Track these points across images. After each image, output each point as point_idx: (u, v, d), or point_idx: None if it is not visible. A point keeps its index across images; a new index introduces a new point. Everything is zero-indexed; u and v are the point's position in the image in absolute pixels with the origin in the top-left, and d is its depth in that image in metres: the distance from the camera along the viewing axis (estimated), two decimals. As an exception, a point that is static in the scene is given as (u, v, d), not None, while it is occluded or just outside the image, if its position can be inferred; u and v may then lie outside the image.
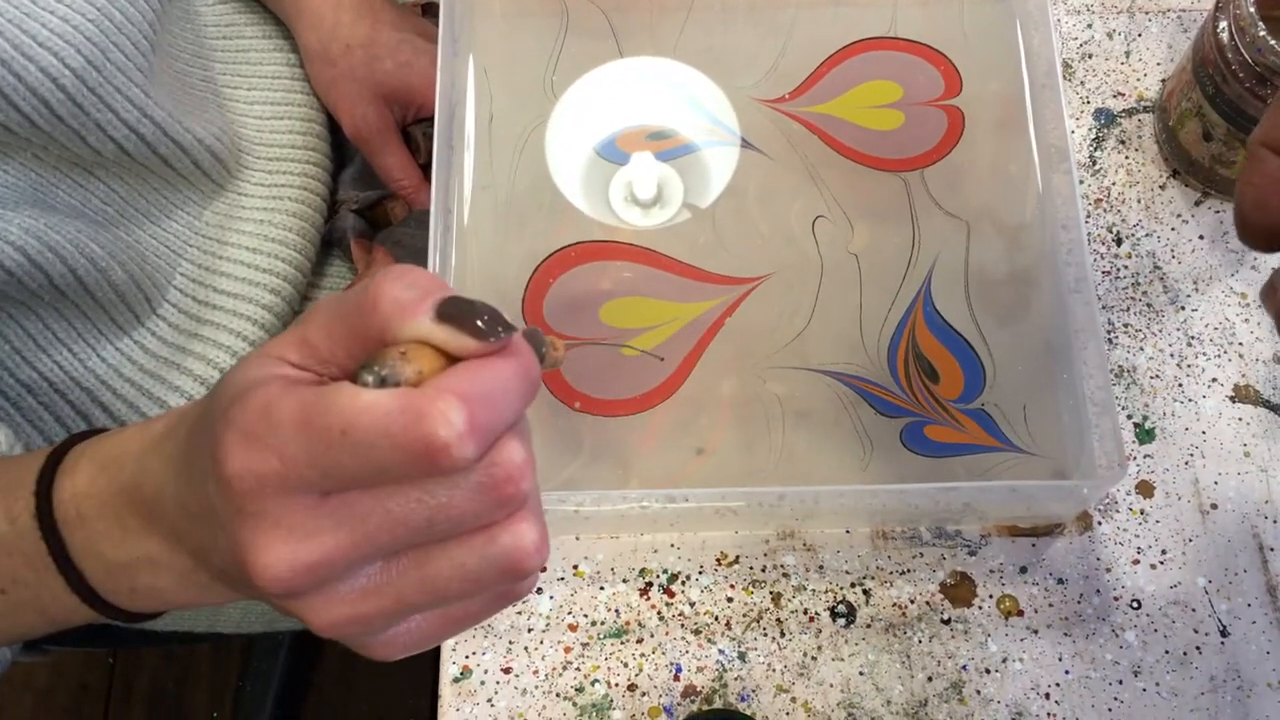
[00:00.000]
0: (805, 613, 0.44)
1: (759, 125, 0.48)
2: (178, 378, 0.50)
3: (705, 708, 0.43)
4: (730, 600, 0.44)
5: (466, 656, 0.44)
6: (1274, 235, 0.29)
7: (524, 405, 0.26)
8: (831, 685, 0.43)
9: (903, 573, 0.45)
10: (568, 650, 0.44)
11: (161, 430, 0.29)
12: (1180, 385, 0.47)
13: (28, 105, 0.41)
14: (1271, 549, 0.44)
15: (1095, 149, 0.51)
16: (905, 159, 0.47)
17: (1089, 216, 0.50)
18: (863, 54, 0.49)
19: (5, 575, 0.32)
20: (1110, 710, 0.42)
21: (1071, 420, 0.43)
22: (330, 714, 1.15)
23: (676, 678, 0.43)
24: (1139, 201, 0.50)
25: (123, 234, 0.47)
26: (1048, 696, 0.43)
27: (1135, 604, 0.44)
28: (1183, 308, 0.48)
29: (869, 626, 0.44)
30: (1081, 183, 0.51)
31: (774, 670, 0.43)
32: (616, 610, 0.44)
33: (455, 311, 0.24)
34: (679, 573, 0.45)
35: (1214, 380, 0.47)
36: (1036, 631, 0.44)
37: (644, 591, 0.45)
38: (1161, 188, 0.51)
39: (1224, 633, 0.43)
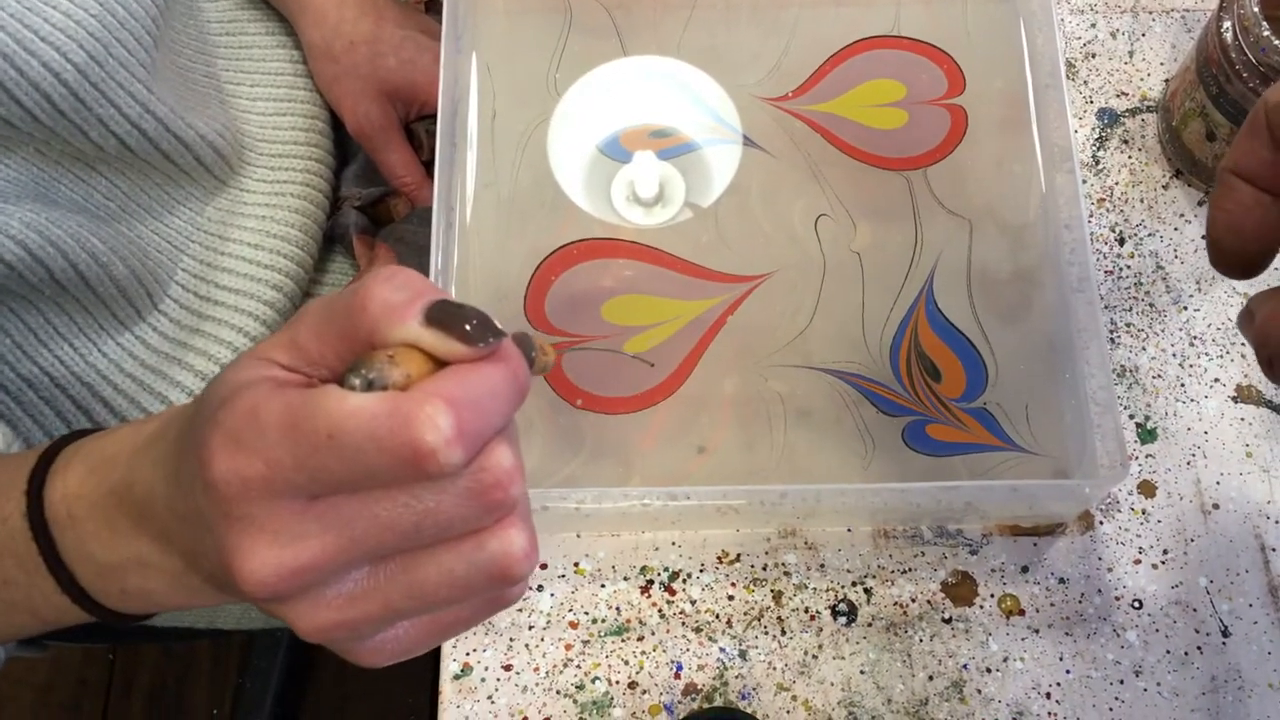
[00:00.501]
0: (806, 611, 0.44)
1: (762, 123, 0.48)
2: (179, 373, 0.50)
3: (706, 706, 0.43)
4: (731, 598, 0.44)
5: (467, 654, 0.44)
6: (1248, 263, 0.30)
7: (513, 410, 0.25)
8: (832, 684, 0.43)
9: (904, 571, 0.45)
10: (568, 648, 0.44)
11: (152, 432, 0.29)
12: (1182, 385, 0.47)
13: (30, 100, 0.41)
14: (1273, 549, 0.44)
15: (1098, 149, 0.51)
16: (908, 158, 0.47)
17: (1092, 216, 0.50)
18: (866, 53, 0.49)
19: None
20: (1111, 710, 0.42)
21: (1073, 420, 0.43)
22: (329, 711, 1.15)
23: (677, 676, 0.43)
24: (1142, 201, 0.50)
25: (125, 229, 0.47)
26: (1049, 696, 0.42)
27: (1137, 604, 0.44)
28: (1185, 308, 0.48)
29: (870, 625, 0.44)
30: (1084, 182, 0.50)
31: (775, 669, 0.43)
32: (617, 608, 0.44)
33: (444, 316, 0.24)
34: (680, 570, 0.45)
35: (1216, 380, 0.47)
36: (1038, 631, 0.43)
37: (645, 589, 0.45)
38: (1164, 188, 0.51)
39: (1225, 633, 0.43)
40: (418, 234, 0.56)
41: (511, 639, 0.44)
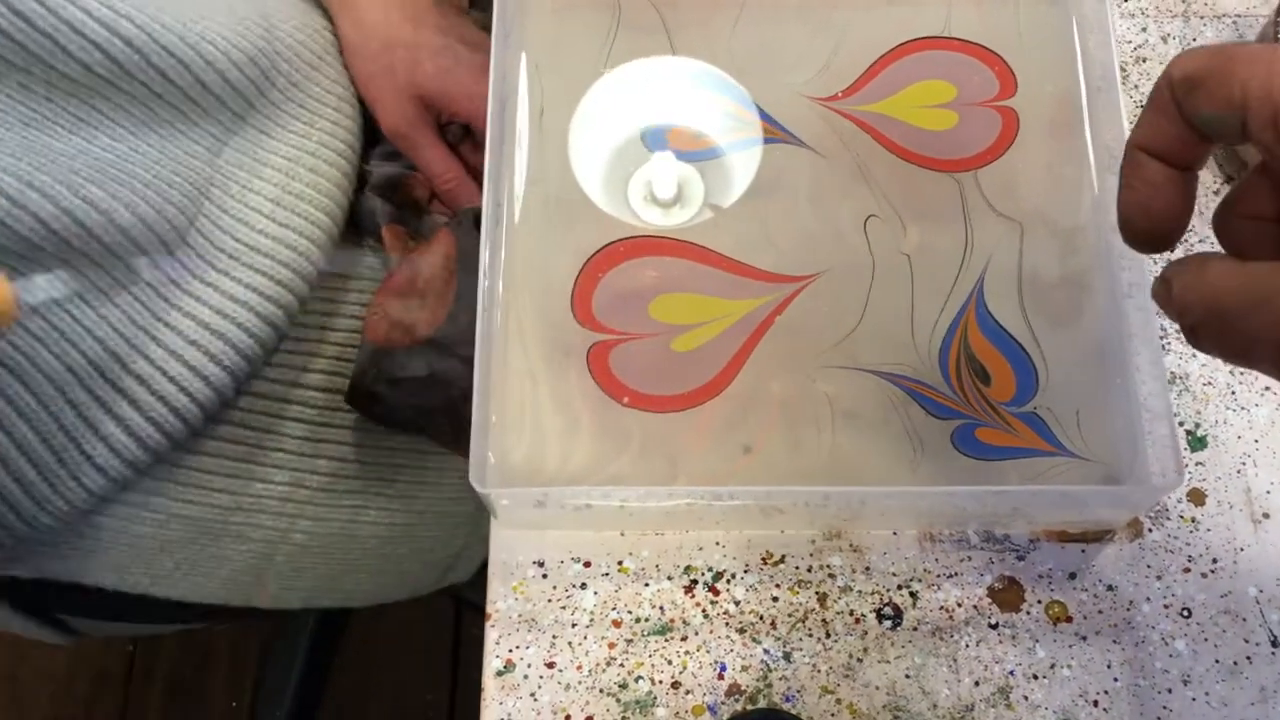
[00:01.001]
0: (851, 614, 0.44)
1: (811, 123, 0.48)
2: (196, 331, 0.48)
3: (750, 707, 0.42)
4: (775, 600, 0.44)
5: (510, 650, 0.44)
6: (1156, 239, 0.30)
7: None
8: (877, 688, 0.43)
9: (950, 576, 0.44)
10: (611, 646, 0.44)
11: None
12: (1233, 393, 0.47)
13: None
14: (1324, 560, 0.44)
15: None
16: (959, 159, 0.47)
17: (1141, 221, 0.49)
18: (916, 53, 0.49)
19: None
20: (1159, 718, 0.42)
21: (1125, 426, 0.43)
22: (349, 705, 1.15)
23: (721, 676, 0.43)
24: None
25: (139, 170, 0.46)
26: (1096, 704, 0.42)
27: (1185, 612, 0.43)
28: (1235, 315, 0.48)
29: (915, 629, 0.43)
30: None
31: (819, 671, 0.43)
32: (661, 607, 0.44)
33: None
34: (724, 571, 0.45)
35: (1267, 388, 0.47)
36: (1085, 638, 0.43)
37: (689, 589, 0.44)
38: (1216, 193, 0.50)
39: (1275, 643, 0.43)
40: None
41: (555, 636, 0.44)
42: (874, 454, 0.44)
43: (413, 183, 0.57)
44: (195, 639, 1.17)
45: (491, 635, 0.44)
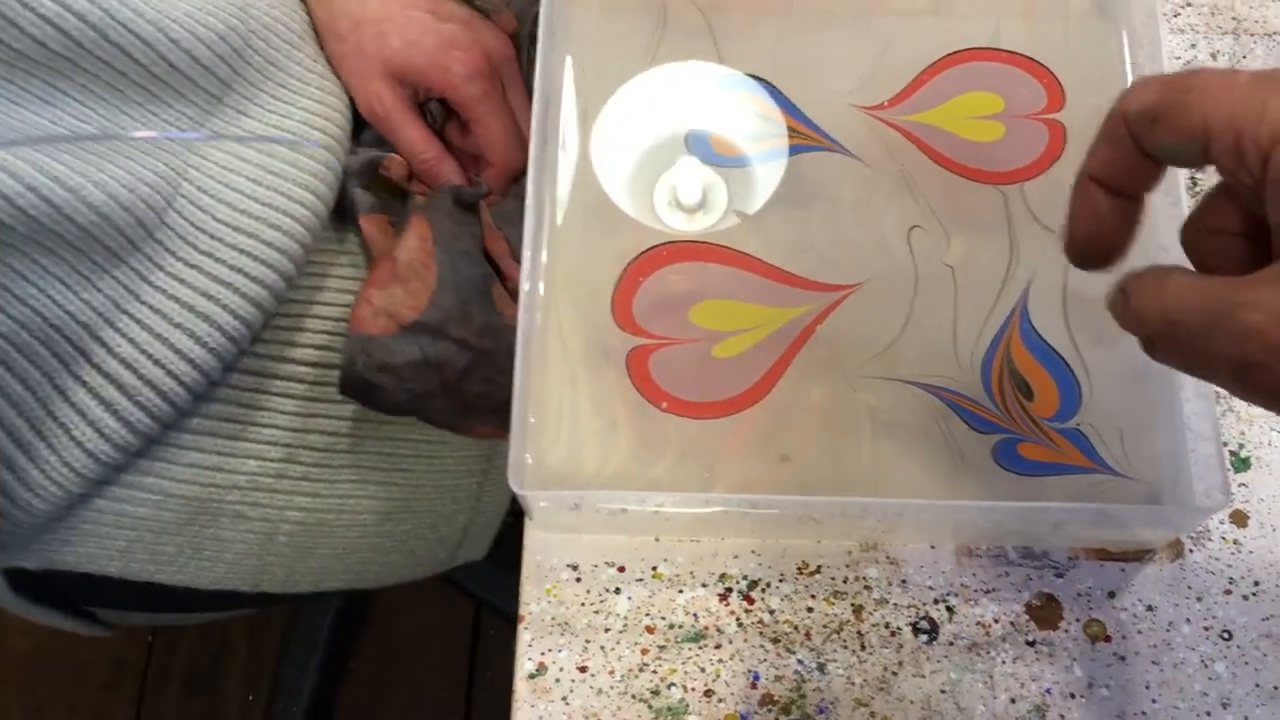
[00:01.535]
0: (886, 627, 0.43)
1: (856, 131, 0.48)
2: (181, 314, 0.48)
3: (783, 718, 0.42)
4: (810, 610, 0.44)
5: (542, 653, 0.43)
6: (1104, 260, 0.33)
7: None
8: (912, 702, 0.42)
9: (987, 591, 0.44)
10: (644, 652, 0.43)
11: None
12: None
13: None
14: (1368, 586, 0.43)
15: (1196, 169, 0.50)
16: (1005, 172, 0.47)
17: (1186, 238, 0.49)
18: (964, 64, 0.48)
19: None
20: (1197, 742, 0.41)
21: (1169, 445, 0.43)
22: (364, 702, 1.15)
23: (754, 686, 0.43)
24: (1238, 225, 0.49)
25: (109, 150, 0.45)
26: (1133, 725, 0.42)
27: (1226, 635, 0.43)
28: (1281, 335, 0.47)
29: (951, 644, 0.43)
30: (1182, 203, 0.50)
31: (853, 684, 0.43)
32: (695, 614, 0.44)
33: None
34: (759, 580, 0.44)
35: (1312, 410, 0.46)
36: (1124, 658, 0.43)
37: (723, 597, 0.44)
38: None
39: (1317, 669, 0.42)
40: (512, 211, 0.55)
41: (588, 640, 0.44)
42: (914, 466, 0.43)
43: (390, 164, 0.56)
44: (214, 631, 1.18)
45: (524, 637, 0.44)
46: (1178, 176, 0.46)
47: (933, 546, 0.45)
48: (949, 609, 0.44)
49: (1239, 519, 0.45)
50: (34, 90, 0.44)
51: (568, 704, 0.43)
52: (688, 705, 0.43)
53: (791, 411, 0.44)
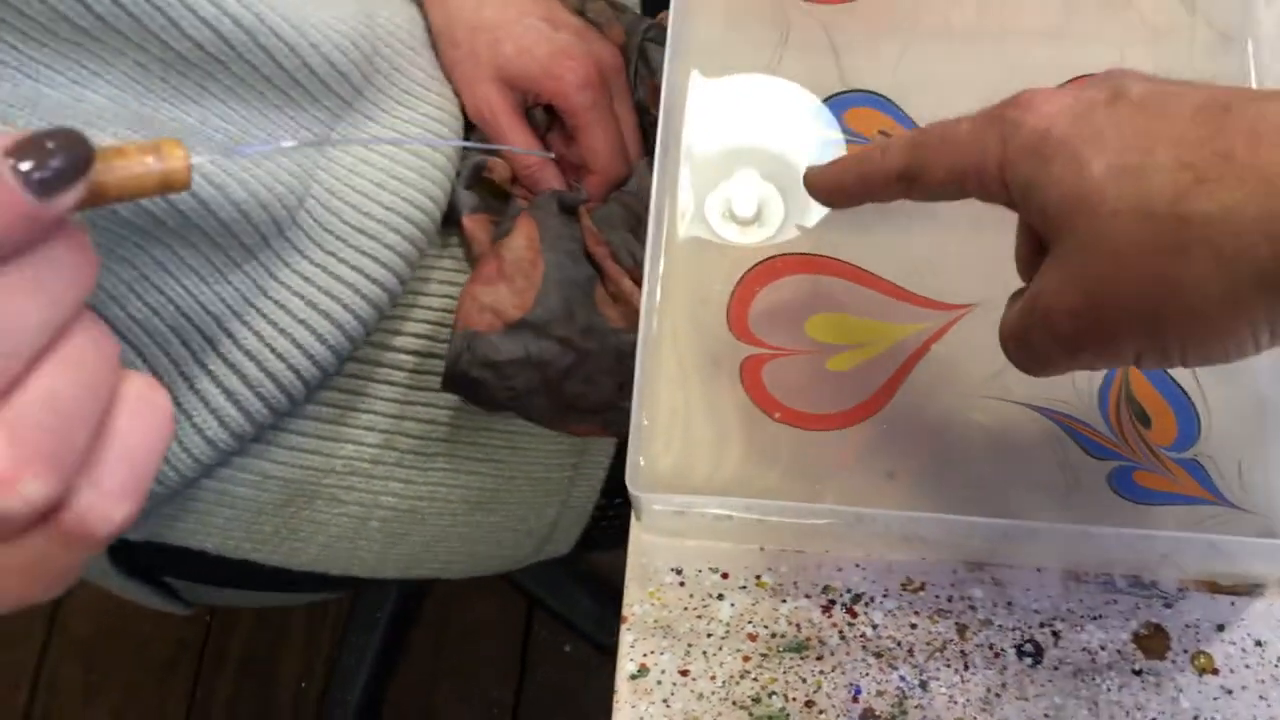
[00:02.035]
0: (990, 647, 0.43)
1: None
2: (303, 309, 0.49)
3: (885, 733, 0.42)
4: (914, 627, 0.44)
5: (644, 655, 0.44)
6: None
7: None
8: (1015, 724, 0.42)
9: (1094, 618, 0.44)
10: (746, 659, 0.44)
11: None
12: (1395, 455, 0.46)
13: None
14: None
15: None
16: (1125, 198, 0.47)
17: (1304, 273, 0.49)
18: (1088, 89, 0.48)
19: None
20: (1305, 782, 0.41)
21: (1287, 480, 0.42)
22: (415, 696, 1.16)
23: (855, 699, 0.43)
24: (1357, 262, 0.49)
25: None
26: (1239, 760, 0.41)
27: (1337, 675, 0.42)
28: (1400, 375, 0.47)
29: (1056, 669, 0.43)
30: None
31: (956, 703, 0.43)
32: (798, 625, 0.44)
33: None
34: (863, 594, 0.45)
35: None
36: (1231, 692, 0.42)
37: (826, 609, 0.44)
38: None
39: None
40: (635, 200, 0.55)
41: (690, 645, 0.44)
42: (1025, 488, 0.43)
43: (494, 167, 0.57)
44: (273, 617, 1.19)
45: (626, 638, 0.44)
46: None
47: (1039, 570, 0.44)
48: (1054, 633, 0.44)
49: (1353, 559, 0.44)
50: (186, 90, 0.45)
51: (668, 706, 0.43)
52: (788, 715, 0.43)
53: (903, 428, 0.44)
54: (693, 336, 0.46)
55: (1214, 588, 0.44)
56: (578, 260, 0.53)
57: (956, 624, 0.44)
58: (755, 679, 0.43)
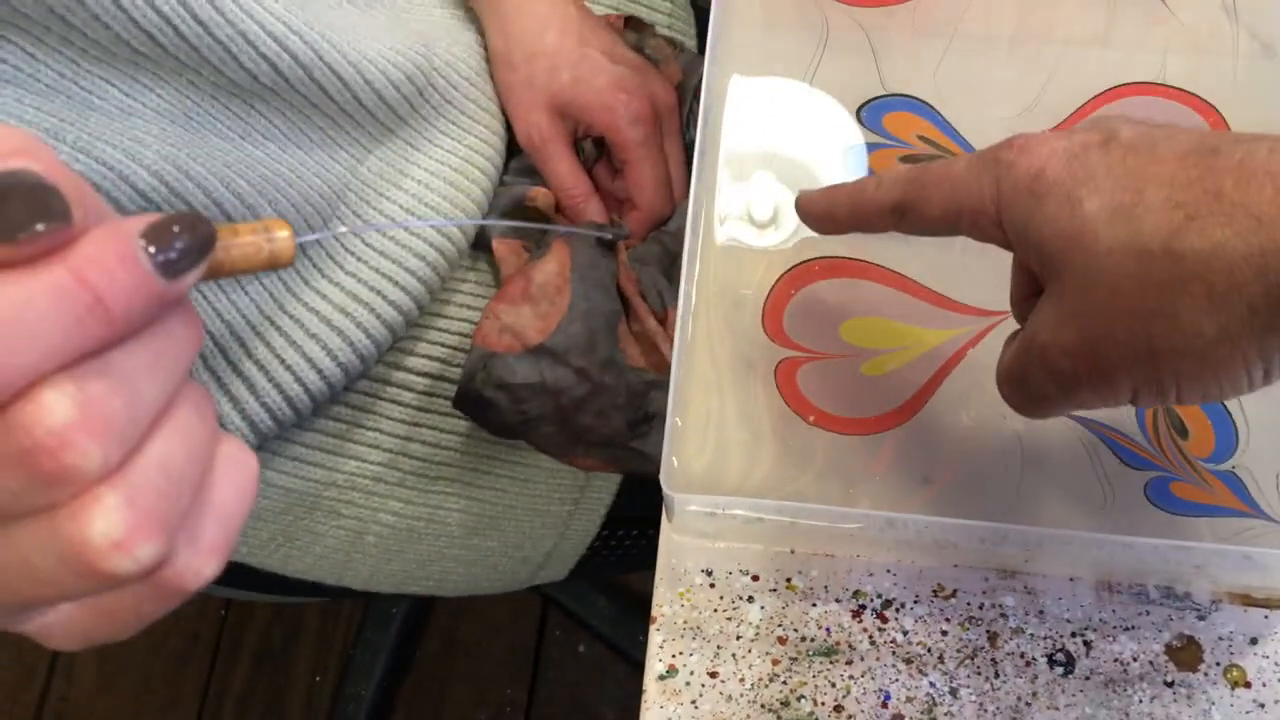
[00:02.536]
0: (1021, 656, 0.43)
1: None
2: (316, 325, 0.50)
3: (915, 739, 0.42)
4: (945, 633, 0.44)
5: (673, 655, 0.44)
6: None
7: (79, 336, 0.20)
8: (1046, 734, 0.42)
9: (1126, 629, 0.43)
10: (775, 663, 0.44)
11: None
12: None
13: (148, 21, 0.40)
14: None
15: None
16: (1165, 208, 0.46)
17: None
18: (1129, 98, 0.48)
19: None
20: (1339, 799, 0.41)
21: (1325, 494, 0.42)
22: (428, 693, 1.16)
23: (885, 705, 0.43)
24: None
25: (283, 169, 0.47)
26: (1272, 775, 0.41)
27: (1372, 692, 0.42)
28: None
29: (1088, 679, 0.43)
30: None
31: (986, 710, 0.43)
32: (827, 629, 0.44)
33: None
34: (894, 599, 0.44)
35: None
36: (1264, 706, 0.42)
37: (857, 614, 0.44)
38: None
39: None
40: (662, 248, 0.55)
41: (719, 646, 0.44)
42: (1060, 497, 0.43)
43: (536, 195, 0.57)
44: (287, 612, 1.19)
45: (655, 639, 0.44)
46: None
47: (1072, 579, 0.44)
48: (1086, 643, 0.43)
49: (1390, 575, 0.44)
50: (232, 111, 0.46)
51: (697, 708, 0.43)
52: (817, 719, 0.43)
53: (938, 434, 0.44)
54: (727, 339, 0.46)
55: (1248, 600, 0.44)
56: (607, 293, 0.53)
57: (988, 632, 0.44)
58: (784, 682, 0.43)
